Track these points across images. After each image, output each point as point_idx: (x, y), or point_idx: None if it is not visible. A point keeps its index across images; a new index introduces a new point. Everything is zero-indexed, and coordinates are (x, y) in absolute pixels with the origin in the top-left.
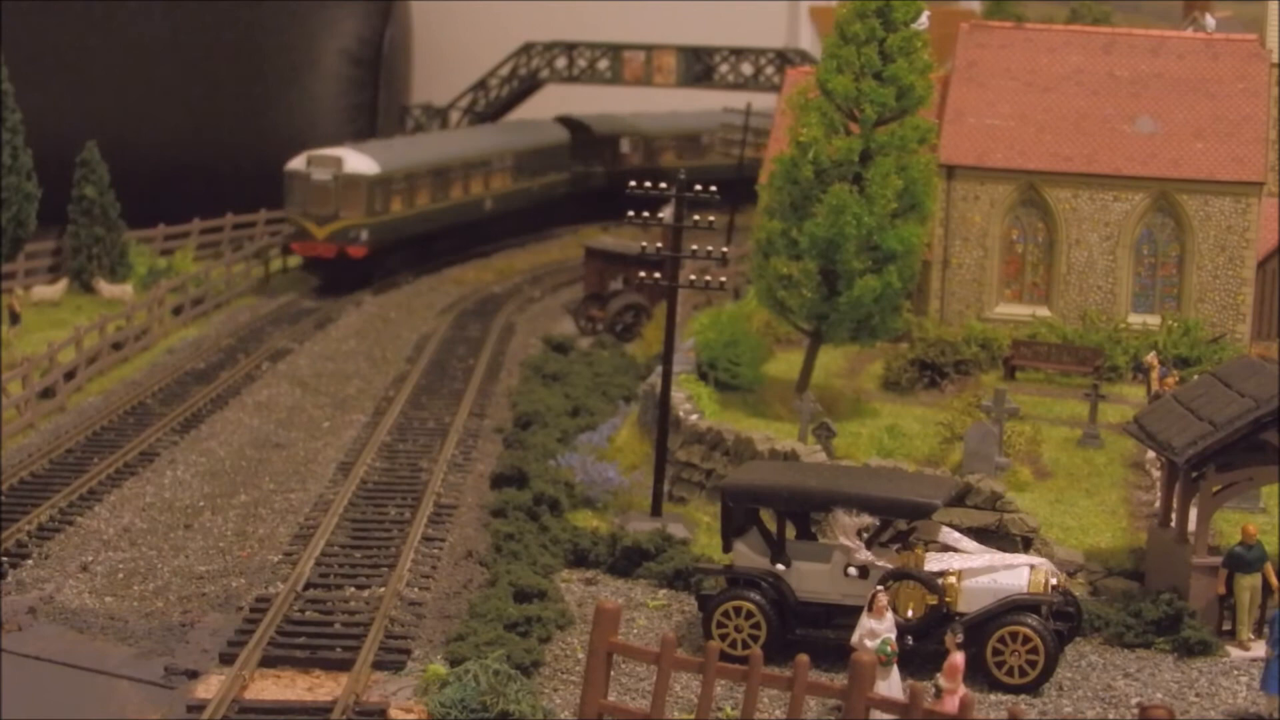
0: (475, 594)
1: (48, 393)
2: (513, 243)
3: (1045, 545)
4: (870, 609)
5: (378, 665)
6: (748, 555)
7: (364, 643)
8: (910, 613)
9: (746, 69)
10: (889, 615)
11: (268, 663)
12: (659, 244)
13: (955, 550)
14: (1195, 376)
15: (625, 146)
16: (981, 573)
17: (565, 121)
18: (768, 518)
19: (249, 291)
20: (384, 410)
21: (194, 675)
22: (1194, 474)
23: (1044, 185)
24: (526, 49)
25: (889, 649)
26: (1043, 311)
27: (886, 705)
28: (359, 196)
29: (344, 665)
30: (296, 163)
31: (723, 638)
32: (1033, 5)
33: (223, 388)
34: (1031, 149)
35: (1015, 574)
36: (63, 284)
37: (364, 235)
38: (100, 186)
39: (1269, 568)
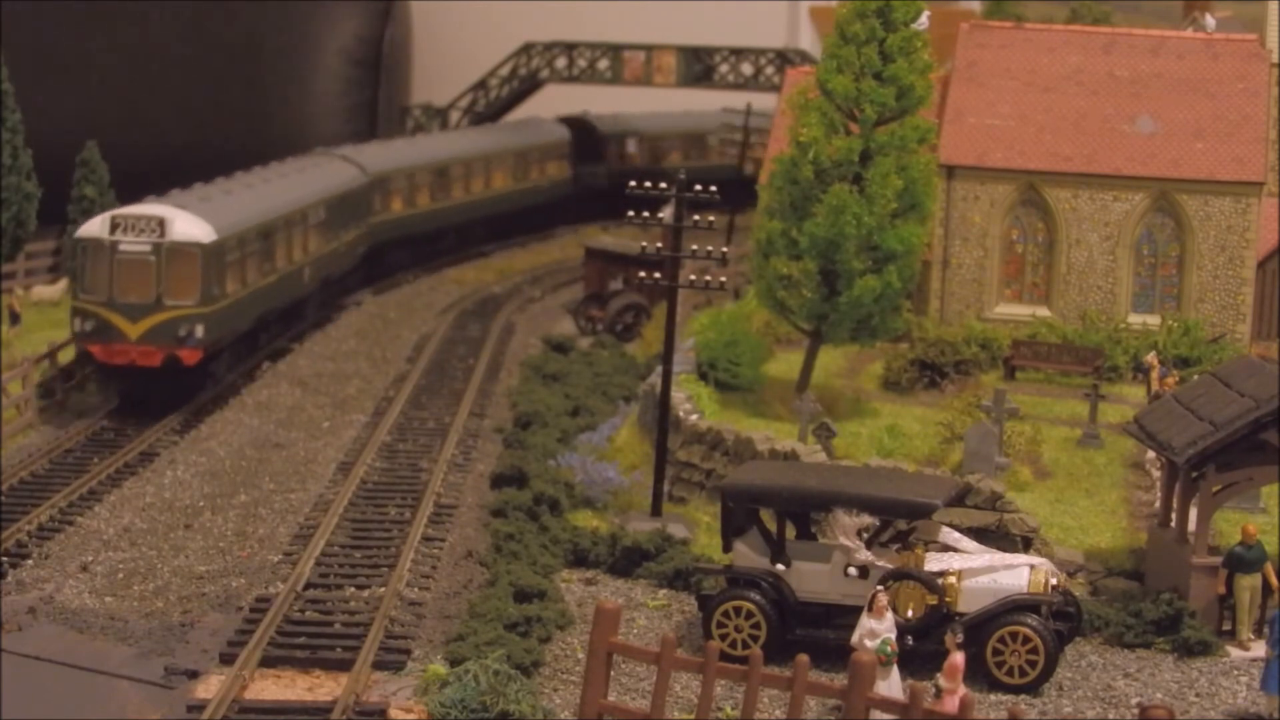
0: (475, 594)
1: (48, 393)
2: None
3: (1045, 545)
4: (870, 609)
5: (378, 665)
6: (748, 555)
7: (364, 643)
8: (910, 613)
9: (746, 69)
10: (889, 615)
11: (268, 663)
12: (659, 244)
13: (955, 550)
14: (1195, 376)
15: (397, 182)
16: (981, 573)
17: (349, 159)
18: (768, 518)
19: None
20: (384, 410)
21: (194, 675)
22: (1194, 474)
23: (1044, 185)
24: (526, 49)
25: (889, 649)
26: (1043, 311)
27: (886, 705)
28: (190, 274)
29: (344, 665)
30: (94, 228)
31: (723, 638)
32: (1033, 5)
33: (223, 388)
34: (1031, 149)
35: (1015, 574)
36: (63, 284)
37: (199, 330)
38: (100, 186)
39: (1269, 568)
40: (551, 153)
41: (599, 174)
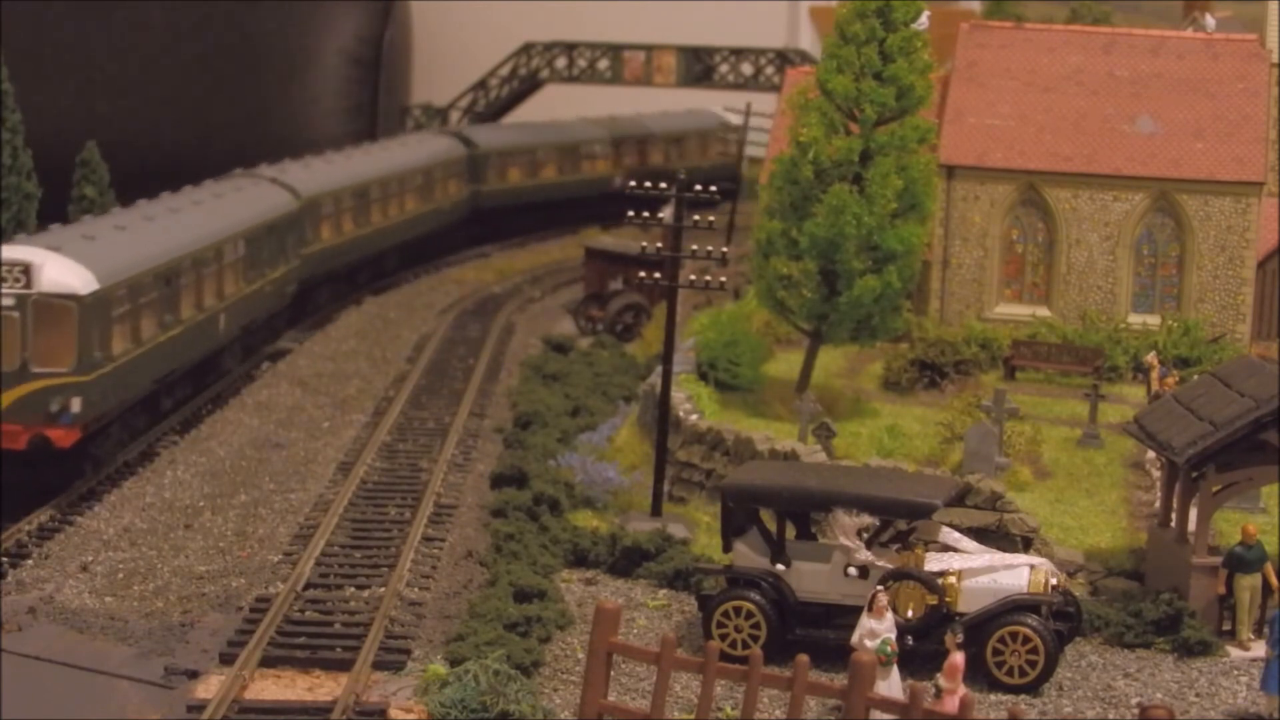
0: (475, 594)
1: None
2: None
3: (1045, 545)
4: (870, 609)
5: (378, 665)
6: (748, 555)
7: (364, 643)
8: (910, 613)
9: (746, 69)
10: (889, 615)
11: (268, 663)
12: (659, 244)
13: (955, 550)
14: (1195, 376)
15: (328, 207)
16: (981, 573)
17: (277, 181)
18: (768, 518)
19: None
20: (384, 410)
21: (194, 675)
22: (1194, 474)
23: (1044, 185)
24: (526, 49)
25: (889, 649)
26: (1043, 311)
27: (886, 705)
28: (64, 334)
29: (344, 665)
30: None
31: (723, 638)
32: (1033, 5)
33: (223, 388)
34: (1031, 149)
35: (1015, 574)
36: None
37: (75, 405)
38: (100, 186)
39: (1269, 568)
40: (452, 170)
41: (481, 195)
